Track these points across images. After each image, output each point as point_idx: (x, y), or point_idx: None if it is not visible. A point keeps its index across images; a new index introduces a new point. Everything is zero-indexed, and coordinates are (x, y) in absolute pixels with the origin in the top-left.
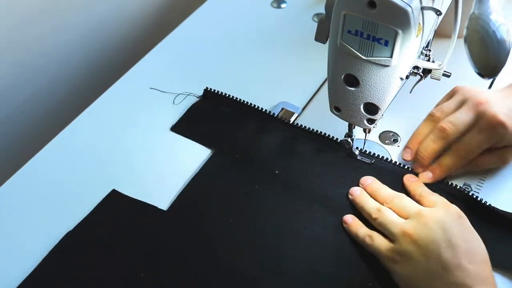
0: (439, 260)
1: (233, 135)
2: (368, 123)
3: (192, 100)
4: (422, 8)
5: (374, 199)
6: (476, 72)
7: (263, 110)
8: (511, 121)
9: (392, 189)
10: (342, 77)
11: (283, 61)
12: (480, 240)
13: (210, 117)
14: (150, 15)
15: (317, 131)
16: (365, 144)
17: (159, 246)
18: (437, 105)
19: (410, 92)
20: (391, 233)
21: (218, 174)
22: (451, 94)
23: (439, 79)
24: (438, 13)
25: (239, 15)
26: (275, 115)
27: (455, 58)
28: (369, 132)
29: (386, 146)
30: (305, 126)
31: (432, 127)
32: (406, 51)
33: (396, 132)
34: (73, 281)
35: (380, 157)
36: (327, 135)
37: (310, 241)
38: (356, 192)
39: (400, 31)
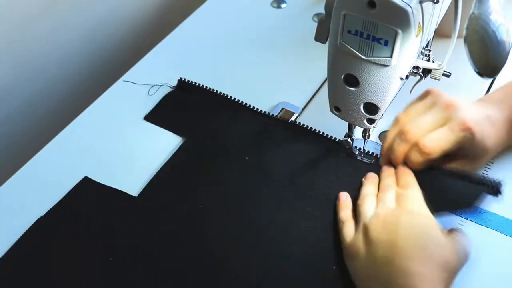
0: (380, 258)
1: (205, 124)
2: (368, 123)
3: (168, 91)
4: (421, 2)
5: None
6: (476, 72)
7: (237, 100)
8: (478, 130)
9: None
10: (342, 77)
11: (283, 61)
12: (439, 243)
13: (183, 106)
14: (150, 15)
15: (299, 123)
16: (365, 144)
17: (130, 231)
18: (407, 107)
19: (410, 92)
20: (358, 225)
21: (189, 161)
22: (422, 97)
23: (439, 79)
24: (435, 1)
25: (239, 15)
26: (249, 106)
27: (455, 58)
28: (369, 132)
29: None
30: (283, 118)
31: (398, 131)
32: (406, 51)
33: None
34: (43, 266)
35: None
36: (304, 125)
37: (280, 227)
38: (371, 175)
39: (400, 31)
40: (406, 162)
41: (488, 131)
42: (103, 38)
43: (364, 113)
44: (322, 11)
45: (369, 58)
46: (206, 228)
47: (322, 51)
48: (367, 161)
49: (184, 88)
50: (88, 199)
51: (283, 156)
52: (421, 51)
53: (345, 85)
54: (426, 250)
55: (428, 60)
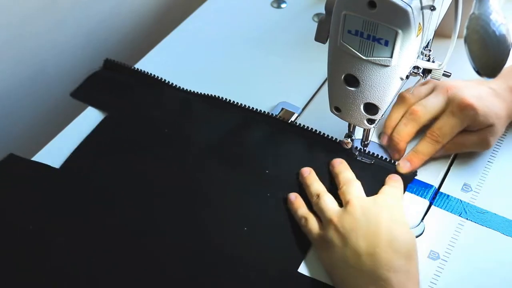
0: (355, 249)
1: (129, 99)
2: (368, 123)
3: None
4: (422, 8)
5: (335, 180)
6: (476, 72)
7: (160, 78)
8: (480, 103)
9: None
10: (342, 77)
11: (283, 61)
12: (408, 231)
13: (108, 84)
14: (149, 15)
15: (214, 96)
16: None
17: (52, 202)
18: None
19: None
20: (323, 219)
21: (111, 133)
22: (423, 83)
23: (439, 79)
24: (432, 8)
25: (239, 15)
26: (172, 84)
27: (455, 58)
28: (368, 132)
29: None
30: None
31: (403, 109)
32: (406, 51)
33: None
34: None
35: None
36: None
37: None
38: (305, 173)
39: (400, 31)
40: (415, 155)
41: (491, 102)
42: (103, 37)
43: (364, 113)
44: (322, 11)
45: (369, 58)
46: (126, 195)
47: (322, 51)
48: (367, 161)
49: (110, 68)
50: (12, 174)
51: (205, 128)
52: (421, 51)
53: (345, 85)
54: (409, 246)
55: (428, 60)
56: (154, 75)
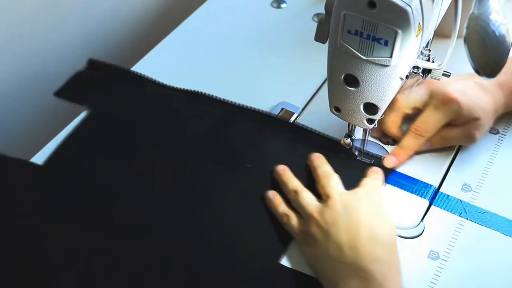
0: (337, 242)
1: (112, 97)
2: (368, 123)
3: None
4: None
5: (313, 174)
6: (475, 71)
7: (146, 77)
8: (464, 97)
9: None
10: (342, 77)
11: (283, 61)
12: (389, 222)
13: (93, 83)
14: (149, 15)
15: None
16: (365, 144)
17: (36, 199)
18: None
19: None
20: (304, 215)
21: (94, 130)
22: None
23: (439, 79)
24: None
25: (239, 15)
26: (155, 81)
27: (455, 58)
28: (369, 132)
29: (386, 146)
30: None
31: None
32: (406, 51)
33: None
34: None
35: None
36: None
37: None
38: (280, 171)
39: (400, 31)
40: (400, 150)
41: (477, 96)
42: (103, 37)
43: (364, 113)
44: (322, 11)
45: (369, 58)
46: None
47: (322, 51)
48: (367, 161)
49: (95, 67)
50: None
51: (184, 124)
52: (421, 51)
53: (345, 85)
54: (390, 237)
55: (428, 60)
56: (138, 73)
